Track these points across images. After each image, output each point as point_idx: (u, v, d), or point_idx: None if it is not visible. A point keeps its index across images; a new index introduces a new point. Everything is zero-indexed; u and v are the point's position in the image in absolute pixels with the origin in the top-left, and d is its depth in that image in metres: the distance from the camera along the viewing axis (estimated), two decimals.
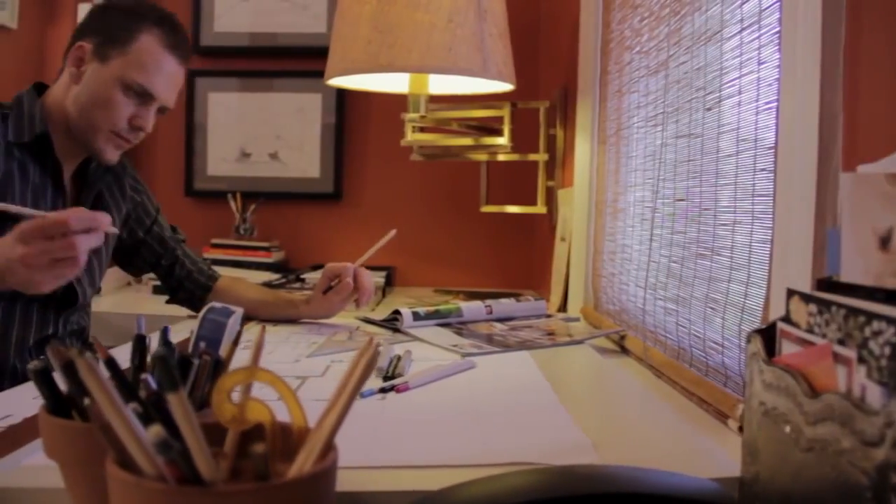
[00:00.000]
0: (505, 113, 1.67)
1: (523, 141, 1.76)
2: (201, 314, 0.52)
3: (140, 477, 0.35)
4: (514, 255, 2.13)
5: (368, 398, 0.77)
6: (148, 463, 0.35)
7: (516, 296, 1.33)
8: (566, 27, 1.78)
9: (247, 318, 1.13)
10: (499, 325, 1.20)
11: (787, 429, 0.42)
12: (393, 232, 1.18)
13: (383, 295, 1.84)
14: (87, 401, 0.36)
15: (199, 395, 0.47)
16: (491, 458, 0.59)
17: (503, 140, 1.67)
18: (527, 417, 0.72)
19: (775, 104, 0.72)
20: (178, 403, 0.32)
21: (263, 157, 2.15)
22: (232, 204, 2.06)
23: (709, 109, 0.91)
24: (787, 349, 0.52)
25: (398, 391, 0.78)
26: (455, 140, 1.74)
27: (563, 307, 1.52)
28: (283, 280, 1.87)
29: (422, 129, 1.76)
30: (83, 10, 2.94)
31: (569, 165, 1.67)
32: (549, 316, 1.32)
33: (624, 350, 1.13)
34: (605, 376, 0.96)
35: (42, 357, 0.46)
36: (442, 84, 1.55)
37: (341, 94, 2.10)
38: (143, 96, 1.10)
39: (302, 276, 1.88)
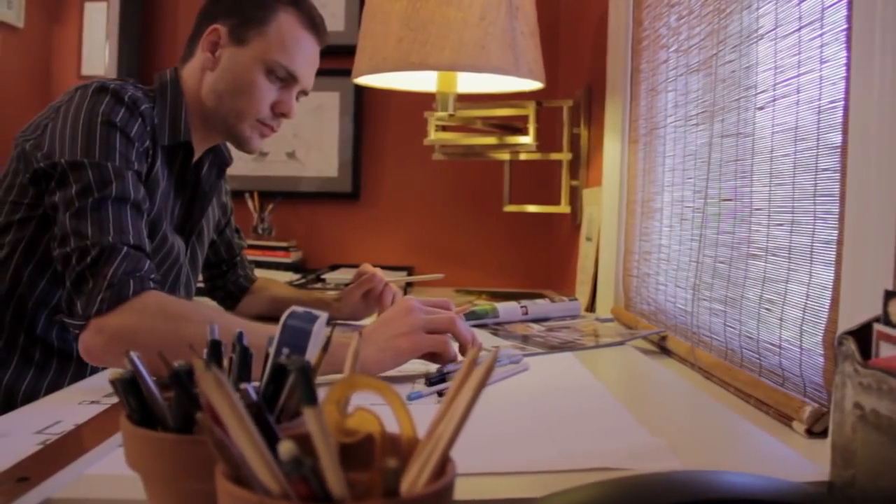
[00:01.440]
0: (530, 112, 1.66)
1: (545, 140, 1.75)
2: (282, 319, 0.51)
3: (261, 495, 0.34)
4: (533, 254, 2.12)
5: (418, 401, 0.76)
6: (273, 480, 0.33)
7: (538, 296, 1.33)
8: (589, 26, 1.77)
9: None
10: (536, 326, 1.19)
11: None
12: (440, 275, 1.16)
13: (404, 294, 1.83)
14: (199, 415, 0.35)
15: (293, 405, 0.45)
16: (571, 463, 0.58)
17: (528, 139, 1.66)
18: (592, 420, 0.70)
19: (842, 103, 0.71)
20: (314, 418, 0.31)
21: (281, 156, 2.13)
22: (249, 203, 2.04)
23: (760, 108, 0.90)
24: (887, 351, 0.51)
25: None
26: (479, 139, 1.73)
27: (590, 307, 1.51)
28: (303, 280, 1.85)
29: (443, 129, 1.75)
30: (90, 9, 2.92)
31: (594, 165, 1.66)
32: (582, 316, 1.31)
33: (664, 351, 1.12)
34: (654, 377, 0.95)
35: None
36: (468, 82, 1.53)
37: (360, 92, 2.08)
38: (286, 79, 1.03)
39: (322, 277, 1.87)
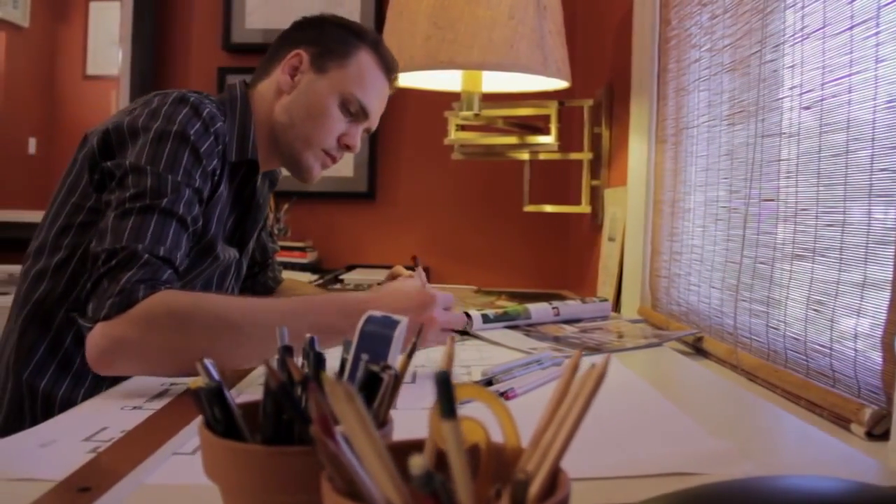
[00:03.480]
0: (551, 111, 1.65)
1: (564, 139, 1.75)
2: (360, 325, 0.50)
3: None
4: (549, 254, 2.11)
5: (469, 405, 0.74)
6: (397, 495, 0.32)
7: (556, 296, 1.32)
8: (608, 26, 1.77)
9: None
10: (568, 328, 1.18)
11: None
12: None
13: None
14: (312, 427, 0.34)
15: (382, 413, 0.44)
16: (641, 468, 0.57)
17: (550, 139, 1.65)
18: (652, 424, 0.70)
19: None
20: (452, 431, 0.30)
21: None
22: None
23: (807, 108, 0.89)
24: None
25: (507, 398, 0.76)
26: (500, 139, 1.72)
27: (615, 308, 1.50)
28: (322, 281, 1.84)
29: (462, 128, 1.74)
30: (95, 9, 2.91)
31: (616, 164, 1.65)
32: (612, 317, 1.30)
33: (699, 352, 1.11)
34: (698, 379, 0.94)
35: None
36: (492, 81, 1.52)
37: None
38: (357, 114, 1.05)
39: (341, 278, 1.86)
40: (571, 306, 1.24)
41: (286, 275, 1.81)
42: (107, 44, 2.86)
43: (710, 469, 0.56)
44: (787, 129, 0.93)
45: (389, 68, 1.08)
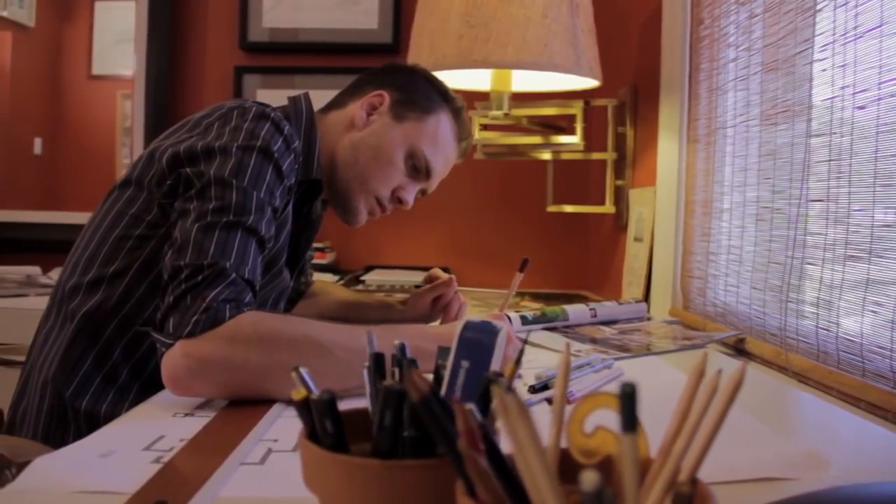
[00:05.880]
0: (577, 111, 1.64)
1: (587, 139, 1.74)
2: (458, 332, 0.48)
3: None
4: (569, 255, 2.10)
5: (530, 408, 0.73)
6: None
7: (579, 297, 1.31)
8: (633, 25, 1.76)
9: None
10: (606, 329, 1.17)
11: None
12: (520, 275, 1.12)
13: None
14: (460, 442, 0.33)
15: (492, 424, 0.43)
16: (726, 474, 0.56)
17: (575, 139, 1.64)
18: (725, 427, 0.68)
19: None
20: (629, 445, 0.29)
21: None
22: None
23: (861, 108, 0.88)
24: None
25: (568, 402, 0.75)
26: (523, 138, 1.71)
27: None
28: (343, 282, 1.83)
29: (485, 128, 1.72)
30: (100, 9, 2.88)
31: (642, 164, 1.64)
32: (648, 318, 1.30)
33: (740, 353, 1.11)
34: (750, 381, 0.93)
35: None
36: (517, 80, 1.51)
37: None
38: (420, 171, 1.03)
39: (362, 279, 1.84)
40: (608, 307, 1.23)
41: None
42: (112, 43, 2.84)
43: (798, 474, 0.56)
44: (839, 129, 0.93)
45: (463, 138, 1.07)
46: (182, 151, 0.84)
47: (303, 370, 0.45)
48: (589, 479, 0.29)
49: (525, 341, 0.49)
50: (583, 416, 0.37)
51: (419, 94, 1.03)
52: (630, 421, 0.29)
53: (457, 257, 2.07)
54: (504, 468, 0.36)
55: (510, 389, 0.41)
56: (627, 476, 0.29)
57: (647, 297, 1.49)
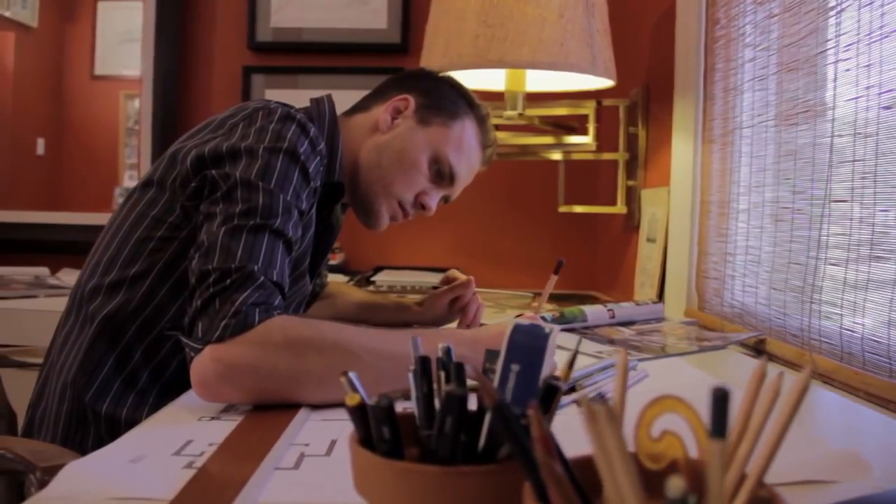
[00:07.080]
0: (589, 111, 1.63)
1: (598, 139, 1.73)
2: (507, 335, 0.47)
3: None
4: (577, 255, 2.10)
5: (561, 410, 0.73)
6: None
7: (589, 298, 1.31)
8: (645, 26, 1.75)
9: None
10: (625, 330, 1.17)
11: None
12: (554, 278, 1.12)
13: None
14: (538, 451, 0.32)
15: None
16: (773, 477, 0.55)
17: (587, 139, 1.63)
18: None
19: None
20: (718, 452, 0.28)
21: None
22: None
23: (887, 108, 0.88)
24: None
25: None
26: (533, 139, 1.70)
27: None
28: (353, 283, 1.82)
29: (496, 128, 1.72)
30: (103, 9, 2.88)
31: (655, 165, 1.64)
32: (665, 319, 1.29)
33: (760, 354, 1.10)
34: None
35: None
36: (531, 80, 1.51)
37: None
38: (443, 176, 1.02)
39: (372, 279, 1.84)
40: (626, 308, 1.23)
41: None
42: (115, 44, 2.83)
43: (840, 477, 0.55)
44: (864, 129, 0.92)
45: (487, 145, 1.07)
46: (207, 153, 0.83)
47: (352, 375, 0.44)
48: (675, 486, 0.28)
49: (576, 351, 0.49)
50: (650, 420, 0.36)
51: (445, 99, 1.02)
52: (720, 426, 0.28)
53: (466, 258, 2.06)
54: (572, 474, 0.35)
55: (572, 391, 0.40)
56: (713, 483, 0.29)
57: (660, 297, 1.49)
